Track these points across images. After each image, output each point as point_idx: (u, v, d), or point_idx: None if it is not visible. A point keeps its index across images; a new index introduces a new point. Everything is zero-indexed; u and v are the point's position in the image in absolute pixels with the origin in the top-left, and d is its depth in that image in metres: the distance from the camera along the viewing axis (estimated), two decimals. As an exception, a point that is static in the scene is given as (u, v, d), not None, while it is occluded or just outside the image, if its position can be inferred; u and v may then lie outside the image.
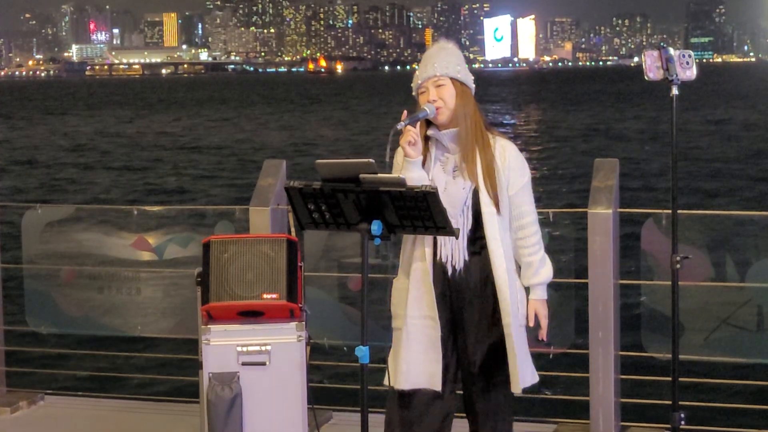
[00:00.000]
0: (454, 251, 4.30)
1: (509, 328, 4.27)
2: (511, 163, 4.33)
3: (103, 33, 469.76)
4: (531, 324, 4.39)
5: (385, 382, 4.41)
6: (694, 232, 5.89)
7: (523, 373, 4.32)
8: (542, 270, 4.40)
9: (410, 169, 4.26)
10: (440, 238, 4.28)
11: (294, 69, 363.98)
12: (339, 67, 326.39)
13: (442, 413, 4.37)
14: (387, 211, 3.87)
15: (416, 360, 4.31)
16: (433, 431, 4.36)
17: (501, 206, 4.29)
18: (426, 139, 4.37)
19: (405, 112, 4.25)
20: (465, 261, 4.29)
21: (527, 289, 4.42)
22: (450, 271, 4.31)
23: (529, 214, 4.37)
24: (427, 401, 4.33)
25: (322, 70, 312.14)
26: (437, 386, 4.29)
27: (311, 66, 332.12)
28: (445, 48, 4.42)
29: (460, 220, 4.27)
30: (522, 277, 4.40)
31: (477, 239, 4.30)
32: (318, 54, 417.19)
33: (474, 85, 4.40)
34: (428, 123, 4.36)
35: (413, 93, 4.39)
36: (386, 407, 4.42)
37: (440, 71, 4.31)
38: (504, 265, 4.28)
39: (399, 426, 4.36)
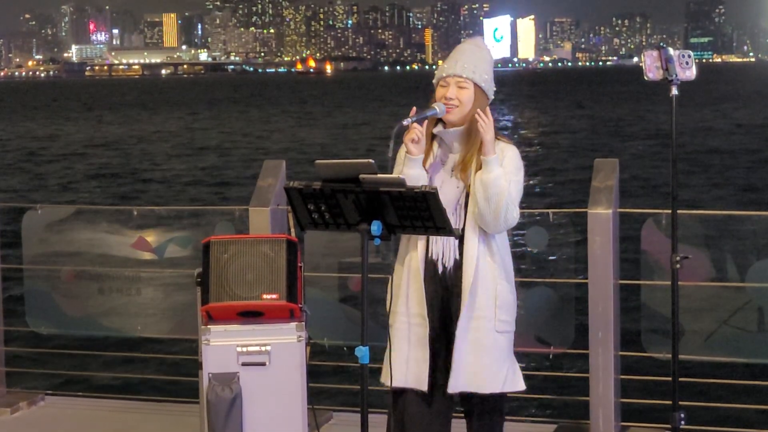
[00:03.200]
0: (445, 250, 4.28)
1: (462, 332, 4.22)
2: (505, 162, 4.30)
3: (103, 33, 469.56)
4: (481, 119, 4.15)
5: (381, 379, 4.40)
6: (694, 231, 5.89)
7: (488, 378, 4.26)
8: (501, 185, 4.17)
9: (410, 166, 4.25)
10: (432, 237, 4.26)
11: (294, 69, 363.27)
12: (329, 68, 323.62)
13: (439, 414, 4.33)
14: (387, 211, 3.87)
15: (403, 358, 4.29)
16: (434, 430, 4.35)
17: None
18: (432, 136, 4.36)
19: (414, 108, 4.24)
20: (456, 260, 4.28)
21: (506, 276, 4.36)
22: (441, 270, 4.30)
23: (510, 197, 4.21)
24: (427, 401, 4.31)
25: (311, 70, 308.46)
26: (423, 386, 4.26)
27: (299, 66, 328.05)
28: (480, 49, 4.39)
29: (453, 219, 4.25)
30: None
31: None
32: (317, 54, 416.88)
33: (493, 96, 4.37)
34: (436, 120, 4.35)
35: (434, 81, 4.37)
36: (388, 407, 4.41)
37: (467, 74, 4.29)
38: (472, 266, 4.22)
39: (397, 426, 4.35)
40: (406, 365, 4.28)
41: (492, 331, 4.27)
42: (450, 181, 4.29)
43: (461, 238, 4.26)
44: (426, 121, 4.29)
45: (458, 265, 4.27)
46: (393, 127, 4.09)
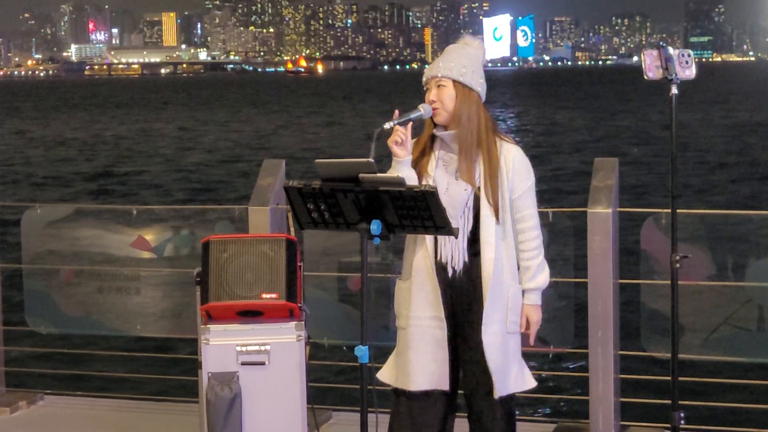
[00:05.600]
0: (454, 252, 4.28)
1: (488, 337, 4.25)
2: (516, 167, 4.30)
3: (102, 33, 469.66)
4: (522, 330, 4.37)
5: (382, 379, 4.40)
6: (693, 230, 5.88)
7: (503, 380, 4.29)
8: (539, 276, 4.37)
9: (398, 168, 4.24)
10: (441, 239, 4.27)
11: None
12: (320, 68, 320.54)
13: (444, 413, 4.36)
14: (386, 210, 3.86)
15: (424, 361, 4.30)
16: (437, 431, 4.36)
17: (500, 212, 4.27)
18: (432, 138, 4.36)
19: (396, 111, 4.24)
20: (465, 262, 4.28)
21: (524, 294, 4.40)
22: (451, 272, 4.30)
23: (531, 218, 4.34)
24: (430, 401, 4.33)
25: (302, 70, 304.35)
26: (445, 386, 4.29)
27: (290, 66, 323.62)
28: (463, 46, 4.39)
29: (461, 222, 4.25)
30: (520, 281, 4.38)
31: (477, 241, 4.28)
32: (316, 53, 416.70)
33: (481, 89, 4.33)
34: (434, 124, 4.35)
35: (424, 88, 4.38)
36: (391, 408, 4.41)
37: (442, 72, 4.29)
38: (490, 270, 4.24)
39: (403, 426, 4.36)
40: (428, 368, 4.29)
41: (503, 332, 4.29)
42: (456, 184, 4.28)
43: (474, 241, 4.27)
44: (410, 124, 4.27)
45: (467, 267, 4.28)
46: (375, 129, 4.08)
